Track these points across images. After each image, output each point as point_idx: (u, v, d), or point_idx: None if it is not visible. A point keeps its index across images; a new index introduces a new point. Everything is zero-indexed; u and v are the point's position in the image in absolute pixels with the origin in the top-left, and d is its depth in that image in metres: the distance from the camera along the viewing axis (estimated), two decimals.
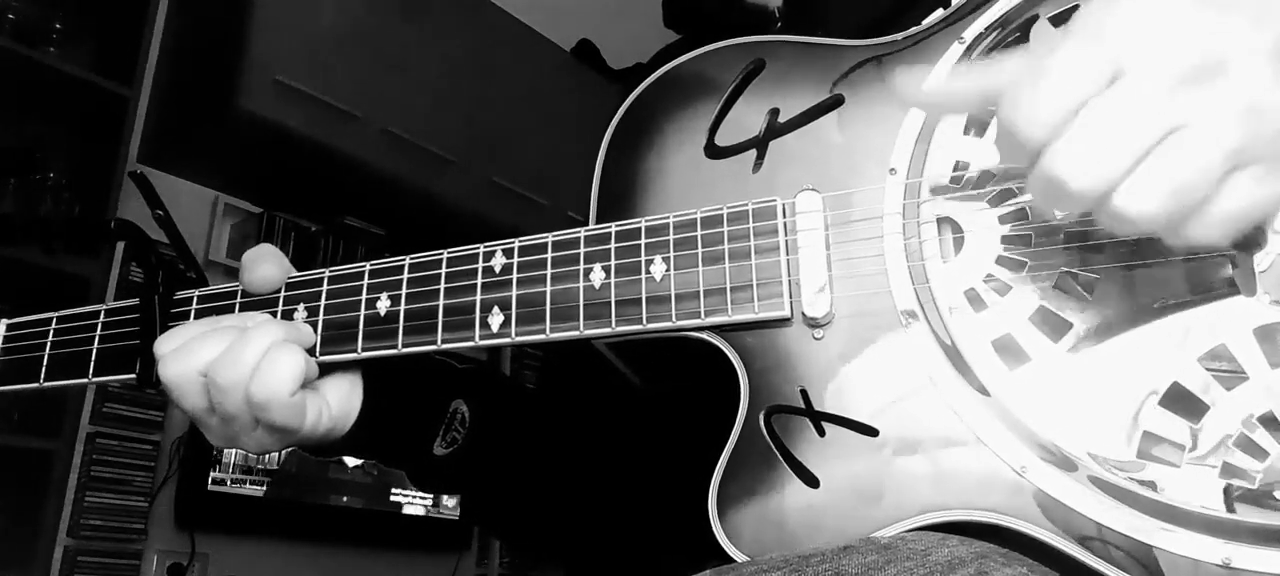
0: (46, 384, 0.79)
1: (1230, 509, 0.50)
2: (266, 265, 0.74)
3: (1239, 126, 0.45)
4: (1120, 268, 0.55)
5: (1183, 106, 0.45)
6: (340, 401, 0.73)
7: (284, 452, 2.88)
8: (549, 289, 0.66)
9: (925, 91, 0.55)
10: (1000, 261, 0.58)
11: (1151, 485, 0.51)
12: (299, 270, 0.76)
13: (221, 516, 2.76)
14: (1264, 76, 0.45)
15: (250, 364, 0.67)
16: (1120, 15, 0.47)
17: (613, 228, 0.66)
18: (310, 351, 0.71)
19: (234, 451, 2.79)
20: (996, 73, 0.50)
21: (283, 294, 0.73)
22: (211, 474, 2.75)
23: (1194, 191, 0.46)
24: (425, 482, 0.84)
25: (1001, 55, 0.51)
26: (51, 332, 0.80)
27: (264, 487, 2.87)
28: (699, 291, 0.63)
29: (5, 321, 0.82)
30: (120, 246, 2.61)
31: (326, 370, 0.73)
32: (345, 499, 3.04)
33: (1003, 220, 0.58)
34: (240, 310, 0.74)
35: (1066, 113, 0.46)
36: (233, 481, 2.80)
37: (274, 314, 0.73)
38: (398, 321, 0.70)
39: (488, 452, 0.82)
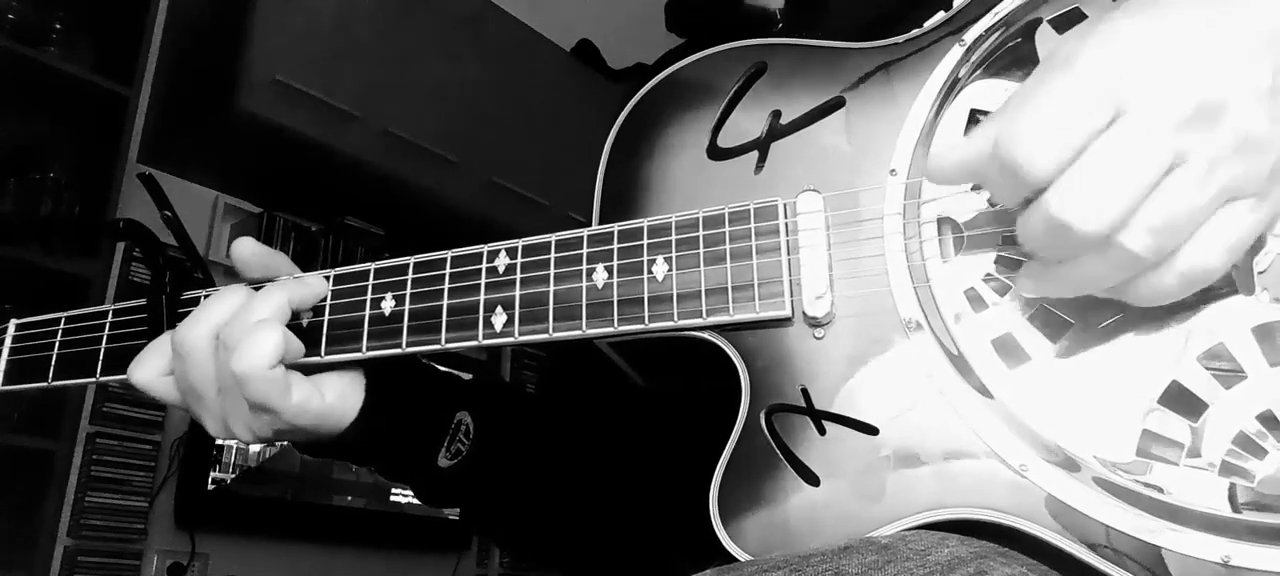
0: (55, 383, 0.79)
1: (1237, 511, 0.50)
2: (245, 244, 0.76)
3: (1234, 163, 0.46)
4: None
5: (1182, 145, 0.46)
6: (336, 394, 0.73)
7: (278, 448, 2.88)
8: (552, 289, 0.67)
9: (939, 166, 0.55)
10: (1000, 261, 0.58)
11: (1155, 486, 0.52)
12: (301, 270, 0.76)
13: (221, 516, 2.77)
14: (1259, 113, 0.46)
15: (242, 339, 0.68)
16: (1120, 52, 0.47)
17: (615, 228, 0.67)
18: (315, 351, 0.72)
19: (235, 451, 2.80)
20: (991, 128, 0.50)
21: None
22: (211, 474, 2.75)
23: (1191, 227, 0.47)
24: (430, 496, 0.84)
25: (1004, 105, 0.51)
26: (60, 332, 0.80)
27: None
28: (701, 291, 0.63)
29: (14, 321, 0.83)
30: (120, 246, 2.61)
31: (328, 365, 0.74)
32: (346, 499, 3.04)
33: (1002, 219, 0.58)
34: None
35: (1071, 153, 0.47)
36: (232, 481, 2.81)
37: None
38: (402, 321, 0.70)
39: (492, 465, 0.82)
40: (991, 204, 0.58)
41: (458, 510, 0.88)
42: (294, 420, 0.71)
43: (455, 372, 0.85)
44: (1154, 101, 0.46)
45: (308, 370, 0.72)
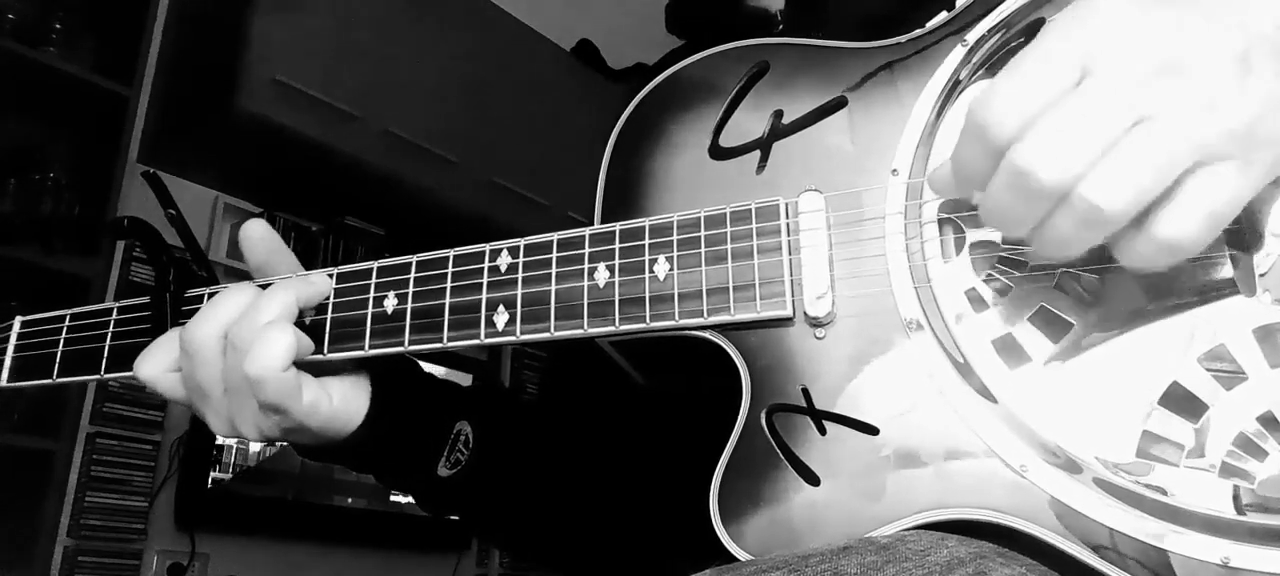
0: (59, 380, 0.80)
1: (1240, 514, 0.50)
2: (257, 227, 0.76)
3: (1201, 120, 0.45)
4: (1121, 268, 0.55)
5: (1147, 99, 0.46)
6: (343, 398, 0.73)
7: (278, 448, 2.88)
8: (553, 288, 0.67)
9: (941, 177, 0.56)
10: (1002, 261, 0.58)
11: (1154, 486, 0.52)
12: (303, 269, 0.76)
13: (221, 516, 2.76)
14: (1224, 73, 0.45)
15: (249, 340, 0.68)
16: (1088, 20, 0.48)
17: (617, 227, 0.67)
18: (318, 348, 0.72)
19: (235, 451, 2.79)
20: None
21: None
22: (211, 474, 2.75)
23: (1158, 181, 0.46)
24: (429, 503, 0.85)
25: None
26: (64, 330, 0.80)
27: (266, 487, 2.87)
28: (702, 290, 0.63)
29: (19, 319, 0.83)
30: (121, 247, 2.61)
31: (334, 369, 0.74)
32: (346, 499, 3.04)
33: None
34: None
35: (1036, 110, 0.47)
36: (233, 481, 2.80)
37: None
38: (404, 320, 0.70)
39: (491, 473, 0.83)
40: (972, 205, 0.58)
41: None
42: (304, 421, 0.71)
43: (454, 379, 0.85)
44: (1119, 60, 0.46)
45: (316, 371, 0.72)
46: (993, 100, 0.48)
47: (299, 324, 0.72)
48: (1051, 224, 0.49)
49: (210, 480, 2.75)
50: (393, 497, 3.14)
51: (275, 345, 0.67)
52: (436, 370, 2.31)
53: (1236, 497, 0.50)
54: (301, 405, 0.70)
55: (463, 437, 0.81)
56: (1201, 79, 0.45)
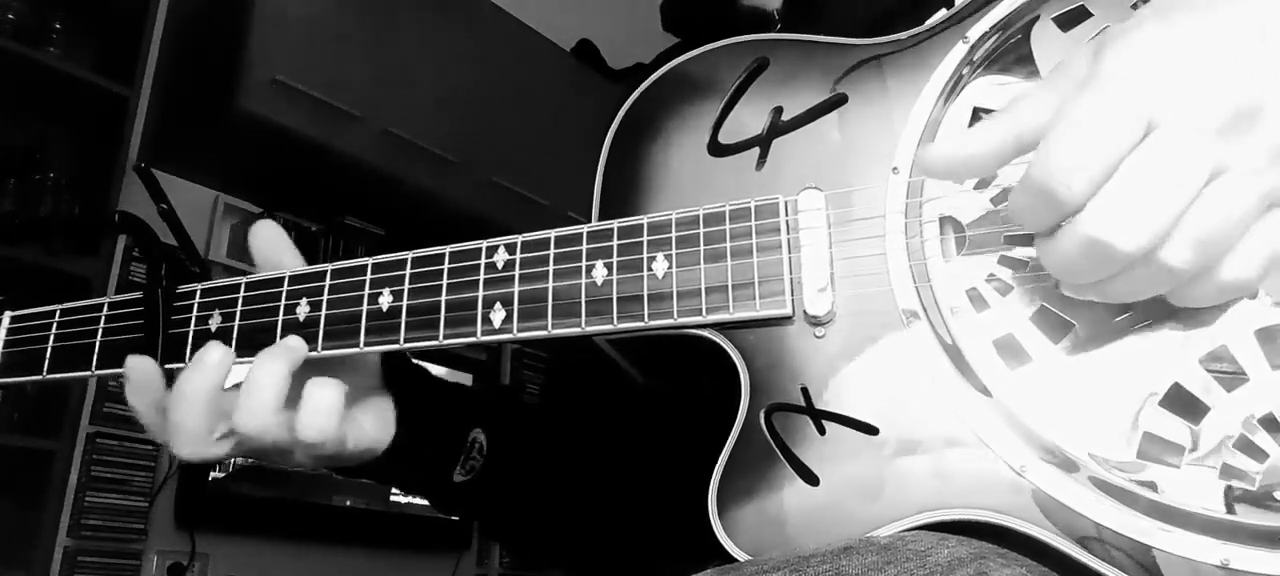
0: (49, 376, 0.79)
1: (1230, 510, 0.50)
2: (268, 230, 0.77)
3: (1274, 170, 0.45)
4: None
5: (1221, 155, 0.45)
6: (375, 428, 0.74)
7: None
8: (551, 285, 0.66)
9: (943, 158, 0.53)
10: (1003, 261, 0.58)
11: (1152, 486, 0.51)
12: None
13: (221, 516, 2.76)
14: None
15: (268, 405, 0.67)
16: (1142, 62, 0.46)
17: (615, 225, 0.66)
18: (313, 346, 0.71)
19: None
20: (1017, 120, 0.50)
21: (285, 288, 0.74)
22: (211, 473, 2.75)
23: (1236, 237, 0.46)
24: (442, 506, 0.87)
25: (1014, 103, 0.51)
26: (55, 325, 0.80)
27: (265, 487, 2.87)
28: (701, 289, 0.63)
29: (9, 314, 0.82)
30: (120, 247, 2.61)
31: (361, 397, 0.74)
32: (346, 499, 3.04)
33: (1006, 219, 0.58)
34: (245, 294, 0.75)
35: (1105, 169, 0.46)
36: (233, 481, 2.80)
37: (274, 309, 0.73)
38: (400, 316, 0.70)
39: (501, 478, 0.84)
40: (1009, 226, 0.57)
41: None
42: (344, 459, 0.72)
43: (456, 380, 0.86)
44: (1187, 111, 0.45)
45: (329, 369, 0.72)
46: (1054, 156, 0.46)
47: (292, 320, 0.72)
48: (1122, 280, 0.48)
49: (210, 480, 2.75)
50: (393, 497, 3.13)
51: (324, 411, 0.67)
52: (437, 370, 2.32)
53: (1233, 498, 0.50)
54: (346, 449, 0.71)
55: (477, 446, 0.82)
56: (1273, 125, 0.44)
